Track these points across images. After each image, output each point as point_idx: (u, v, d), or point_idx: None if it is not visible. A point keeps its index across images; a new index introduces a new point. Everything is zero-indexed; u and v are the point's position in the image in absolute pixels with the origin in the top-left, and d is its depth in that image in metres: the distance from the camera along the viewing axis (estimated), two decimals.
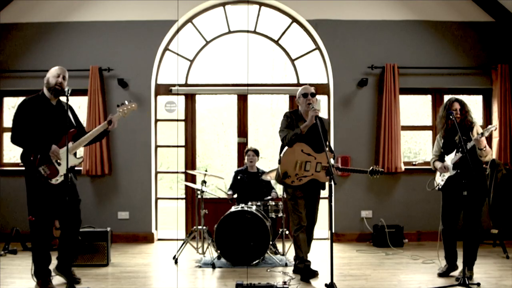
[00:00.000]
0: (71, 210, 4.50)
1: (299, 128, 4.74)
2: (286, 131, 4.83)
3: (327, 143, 4.81)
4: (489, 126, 4.64)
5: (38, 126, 4.35)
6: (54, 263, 4.58)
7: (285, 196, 5.24)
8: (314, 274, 4.82)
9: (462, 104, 4.82)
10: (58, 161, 4.33)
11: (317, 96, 5.13)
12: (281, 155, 4.86)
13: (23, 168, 4.42)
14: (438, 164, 4.93)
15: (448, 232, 4.89)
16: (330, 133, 7.04)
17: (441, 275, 4.86)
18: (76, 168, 4.71)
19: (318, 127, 4.53)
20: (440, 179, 4.94)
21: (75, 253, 4.73)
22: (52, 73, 4.45)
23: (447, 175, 4.84)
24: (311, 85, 7.21)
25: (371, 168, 4.87)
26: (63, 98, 4.52)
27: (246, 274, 4.98)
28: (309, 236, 5.00)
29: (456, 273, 4.84)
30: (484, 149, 4.62)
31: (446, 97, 5.04)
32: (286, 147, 4.83)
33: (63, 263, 4.60)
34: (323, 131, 4.54)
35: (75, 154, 4.56)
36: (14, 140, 4.39)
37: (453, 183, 4.78)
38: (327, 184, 4.89)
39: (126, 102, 4.71)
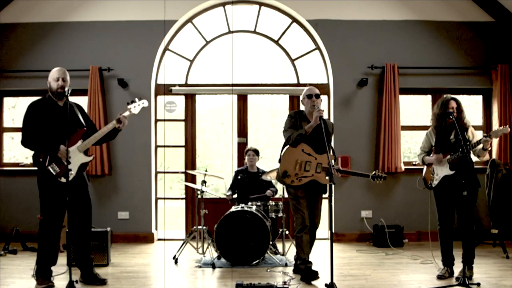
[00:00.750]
0: (81, 209, 4.54)
1: (303, 129, 4.71)
2: (290, 131, 4.80)
3: (330, 145, 4.79)
4: (501, 128, 4.64)
5: (46, 128, 4.37)
6: (58, 263, 4.60)
7: (286, 196, 5.22)
8: (315, 276, 4.77)
9: (458, 103, 4.82)
10: (69, 159, 4.33)
11: None
12: (282, 153, 4.85)
13: (36, 169, 4.43)
14: (433, 157, 4.87)
15: (446, 232, 4.89)
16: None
17: (440, 277, 4.84)
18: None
19: (322, 128, 4.51)
20: (433, 178, 4.92)
21: (90, 254, 4.72)
22: (52, 77, 4.46)
23: (441, 174, 4.83)
24: (311, 85, 7.25)
25: (374, 172, 4.79)
26: (76, 99, 4.57)
27: (232, 273, 4.99)
28: (311, 238, 4.95)
29: (456, 273, 4.84)
30: (488, 149, 4.65)
31: None
32: (287, 146, 4.83)
33: (84, 270, 4.64)
34: (326, 133, 4.52)
35: (86, 153, 4.54)
36: (24, 143, 4.43)
37: (450, 183, 4.78)
38: (328, 187, 4.85)
39: (137, 100, 4.68)
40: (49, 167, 4.33)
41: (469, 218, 4.70)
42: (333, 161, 4.79)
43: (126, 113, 4.58)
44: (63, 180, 4.33)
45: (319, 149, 4.77)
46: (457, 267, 4.83)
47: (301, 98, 5.00)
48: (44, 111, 4.42)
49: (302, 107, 5.07)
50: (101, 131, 4.53)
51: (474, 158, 4.84)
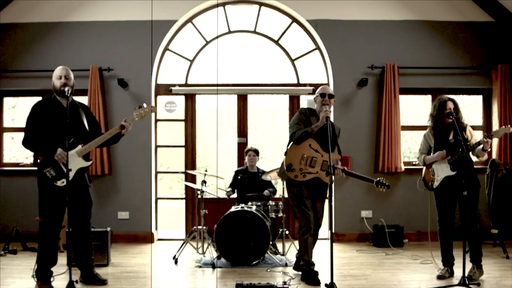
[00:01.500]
0: (80, 210, 4.53)
1: (310, 127, 4.66)
2: (296, 127, 4.72)
3: (336, 146, 4.77)
4: (503, 128, 4.62)
5: (47, 129, 4.35)
6: (58, 263, 4.60)
7: (286, 195, 5.20)
8: (317, 281, 4.68)
9: (455, 104, 4.81)
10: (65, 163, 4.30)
11: None
12: (288, 147, 4.78)
13: (36, 169, 4.41)
14: (434, 154, 4.85)
15: (446, 232, 4.88)
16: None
17: (440, 277, 4.83)
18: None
19: (328, 128, 4.48)
20: (434, 179, 4.91)
21: (90, 255, 4.71)
22: (55, 76, 4.45)
23: (442, 175, 4.82)
24: (311, 85, 7.27)
25: (378, 179, 4.69)
26: (76, 99, 4.59)
27: (232, 274, 4.98)
28: (314, 238, 4.89)
29: (456, 272, 4.83)
30: (488, 150, 4.65)
31: None
32: None
33: (85, 270, 4.63)
34: (332, 134, 4.47)
35: (85, 157, 4.49)
36: (24, 143, 4.41)
37: (450, 183, 4.77)
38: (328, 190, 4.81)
39: (145, 105, 4.60)
40: (45, 171, 4.30)
41: (473, 218, 4.70)
42: (338, 161, 4.80)
43: (131, 119, 4.53)
44: (59, 184, 4.32)
45: (326, 148, 4.72)
46: (457, 267, 4.82)
47: (313, 96, 4.97)
48: (47, 112, 4.39)
49: (302, 105, 5.05)
50: (102, 136, 4.49)
51: (473, 158, 4.84)
